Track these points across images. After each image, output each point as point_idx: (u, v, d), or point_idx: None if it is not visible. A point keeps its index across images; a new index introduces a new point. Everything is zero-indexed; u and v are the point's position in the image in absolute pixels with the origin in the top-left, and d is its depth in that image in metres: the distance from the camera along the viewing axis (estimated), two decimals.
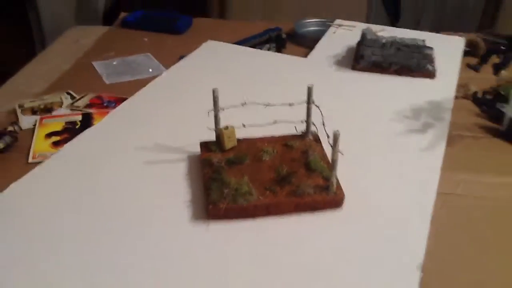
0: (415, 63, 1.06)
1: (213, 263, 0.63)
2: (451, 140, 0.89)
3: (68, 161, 0.80)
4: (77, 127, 0.88)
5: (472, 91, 1.07)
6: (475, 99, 1.05)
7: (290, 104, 0.79)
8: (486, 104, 1.02)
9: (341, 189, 0.71)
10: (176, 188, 0.75)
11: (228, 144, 0.78)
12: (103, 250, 0.64)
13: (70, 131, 0.87)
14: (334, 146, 0.67)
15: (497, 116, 0.97)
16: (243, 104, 0.77)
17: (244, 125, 0.79)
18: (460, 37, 1.26)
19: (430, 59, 1.07)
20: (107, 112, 0.93)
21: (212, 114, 0.77)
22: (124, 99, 0.98)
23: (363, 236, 0.67)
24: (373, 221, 0.69)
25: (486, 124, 0.97)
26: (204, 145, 0.80)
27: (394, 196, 0.74)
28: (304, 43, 1.30)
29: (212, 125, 0.78)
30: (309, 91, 0.77)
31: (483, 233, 0.70)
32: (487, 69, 1.19)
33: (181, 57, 1.18)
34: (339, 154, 0.67)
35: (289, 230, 0.68)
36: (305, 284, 0.60)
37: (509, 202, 0.76)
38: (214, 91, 0.75)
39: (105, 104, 0.97)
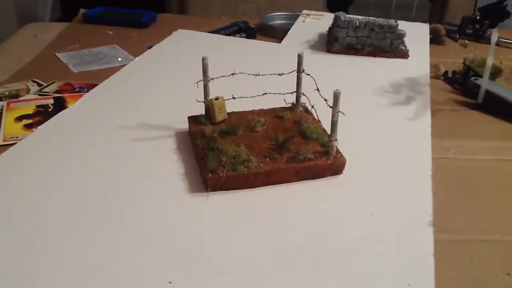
0: (388, 44, 1.07)
1: (214, 233, 0.58)
2: (432, 113, 0.90)
3: (45, 141, 0.74)
4: (50, 110, 0.82)
5: (443, 71, 1.10)
6: (446, 78, 1.08)
7: (280, 74, 0.77)
8: (458, 81, 1.05)
9: (341, 153, 0.69)
10: (166, 163, 0.70)
11: (219, 116, 0.74)
12: (94, 236, 0.58)
13: (43, 114, 0.81)
14: (335, 106, 0.65)
15: (470, 91, 1.00)
16: (233, 74, 0.75)
17: (234, 97, 0.76)
18: (424, 24, 1.30)
19: (402, 40, 1.09)
20: (81, 96, 0.87)
21: (200, 85, 0.74)
22: (96, 85, 0.93)
23: (368, 199, 0.65)
24: (376, 184, 0.68)
25: (461, 99, 1.00)
26: (193, 119, 0.76)
27: (392, 160, 0.73)
28: (273, 34, 1.29)
29: (199, 98, 0.75)
30: (300, 59, 0.76)
31: (476, 188, 0.71)
32: (452, 53, 1.23)
33: (150, 47, 1.14)
34: (340, 115, 0.66)
35: (290, 198, 0.65)
36: (312, 253, 0.57)
37: (495, 162, 0.78)
38: (203, 59, 0.71)
39: (76, 90, 0.91)
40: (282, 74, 0.76)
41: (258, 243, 0.57)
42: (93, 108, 0.83)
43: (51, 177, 0.66)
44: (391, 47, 1.07)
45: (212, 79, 0.73)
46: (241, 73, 0.75)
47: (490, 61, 0.92)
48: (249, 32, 1.26)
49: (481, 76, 1.01)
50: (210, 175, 0.64)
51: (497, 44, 1.34)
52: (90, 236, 0.57)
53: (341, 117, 0.68)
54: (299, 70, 0.76)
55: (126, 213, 0.61)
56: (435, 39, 1.31)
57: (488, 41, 1.36)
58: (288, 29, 1.28)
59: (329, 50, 1.10)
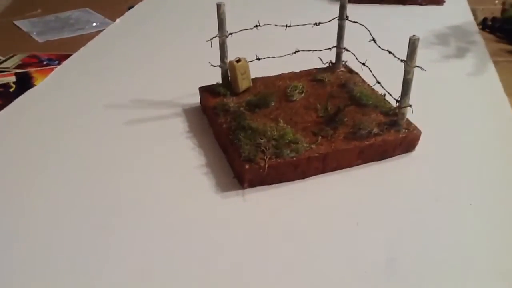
0: None
1: (261, 248, 0.41)
2: None
3: (10, 129, 0.54)
4: (11, 90, 0.62)
5: (481, 18, 0.93)
6: (486, 26, 0.91)
7: (317, 24, 0.58)
8: (503, 29, 0.89)
9: (414, 124, 0.52)
10: (179, 152, 0.52)
11: (243, 83, 0.56)
12: (94, 262, 0.40)
13: (3, 96, 0.61)
14: (410, 59, 0.47)
15: None
16: (257, 26, 0.56)
17: (258, 58, 0.57)
18: None
19: None
20: (51, 70, 0.67)
21: (208, 46, 0.54)
22: (69, 56, 0.72)
23: (459, 184, 0.48)
24: (461, 163, 0.51)
25: (510, 49, 0.83)
26: (207, 90, 0.57)
27: (469, 129, 0.56)
28: None
29: (208, 61, 0.56)
30: (343, 1, 0.57)
31: None
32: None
33: (131, 7, 0.93)
34: (415, 70, 0.48)
35: (358, 189, 0.47)
36: (407, 267, 0.40)
37: None
38: (219, 7, 0.52)
39: (44, 63, 0.71)
40: (320, 23, 0.58)
41: (329, 257, 0.40)
42: (69, 84, 0.63)
43: (24, 179, 0.47)
44: None
45: (231, 34, 0.54)
46: (267, 24, 0.56)
47: None
48: None
49: None
50: (247, 166, 0.45)
51: None
52: (87, 263, 0.39)
53: (393, 80, 0.51)
54: (342, 17, 0.58)
55: (137, 225, 0.42)
56: None
57: None
58: None
59: None
